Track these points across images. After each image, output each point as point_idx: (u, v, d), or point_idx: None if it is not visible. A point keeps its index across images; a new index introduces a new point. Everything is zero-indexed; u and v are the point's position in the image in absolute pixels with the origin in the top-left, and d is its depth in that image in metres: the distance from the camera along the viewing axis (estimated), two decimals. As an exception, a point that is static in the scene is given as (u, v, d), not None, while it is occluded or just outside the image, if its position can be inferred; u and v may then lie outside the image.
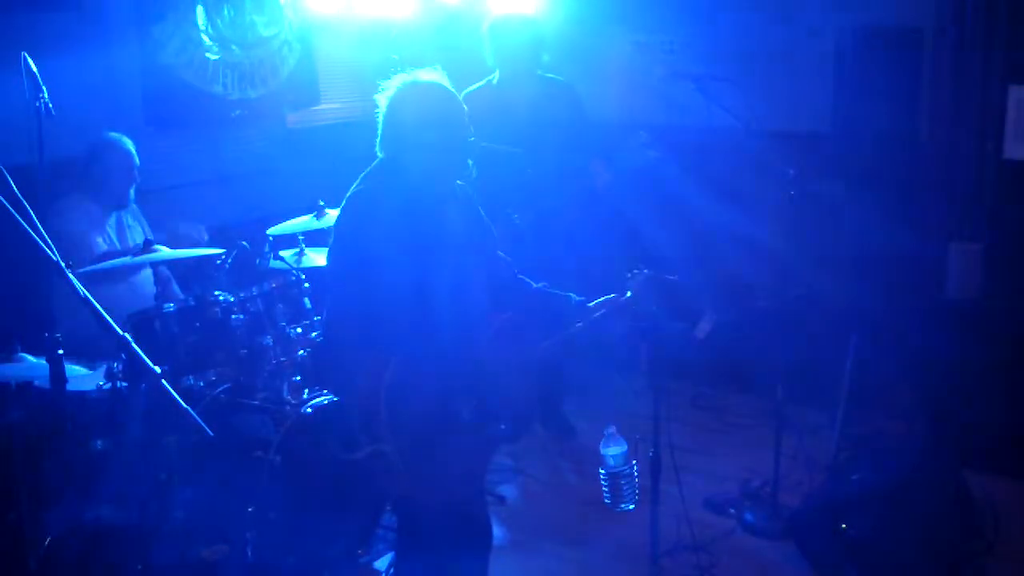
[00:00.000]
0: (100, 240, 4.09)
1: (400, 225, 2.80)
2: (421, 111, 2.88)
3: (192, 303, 3.64)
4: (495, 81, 4.62)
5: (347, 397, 3.11)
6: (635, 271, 3.10)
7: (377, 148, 2.95)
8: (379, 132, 2.93)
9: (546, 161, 4.39)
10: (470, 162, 2.96)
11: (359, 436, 2.88)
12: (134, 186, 4.15)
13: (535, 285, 3.18)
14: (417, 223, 2.83)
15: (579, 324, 3.07)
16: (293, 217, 4.30)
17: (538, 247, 4.44)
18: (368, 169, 2.96)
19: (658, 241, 4.95)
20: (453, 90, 2.95)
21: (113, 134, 4.14)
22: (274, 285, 3.84)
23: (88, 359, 3.45)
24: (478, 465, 3.09)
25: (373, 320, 2.75)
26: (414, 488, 2.85)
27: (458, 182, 3.04)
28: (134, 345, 2.42)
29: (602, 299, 3.11)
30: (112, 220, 4.18)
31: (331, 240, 2.94)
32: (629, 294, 3.08)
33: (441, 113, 2.89)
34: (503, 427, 2.96)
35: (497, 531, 3.95)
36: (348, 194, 2.92)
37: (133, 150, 4.12)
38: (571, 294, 3.15)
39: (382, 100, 2.92)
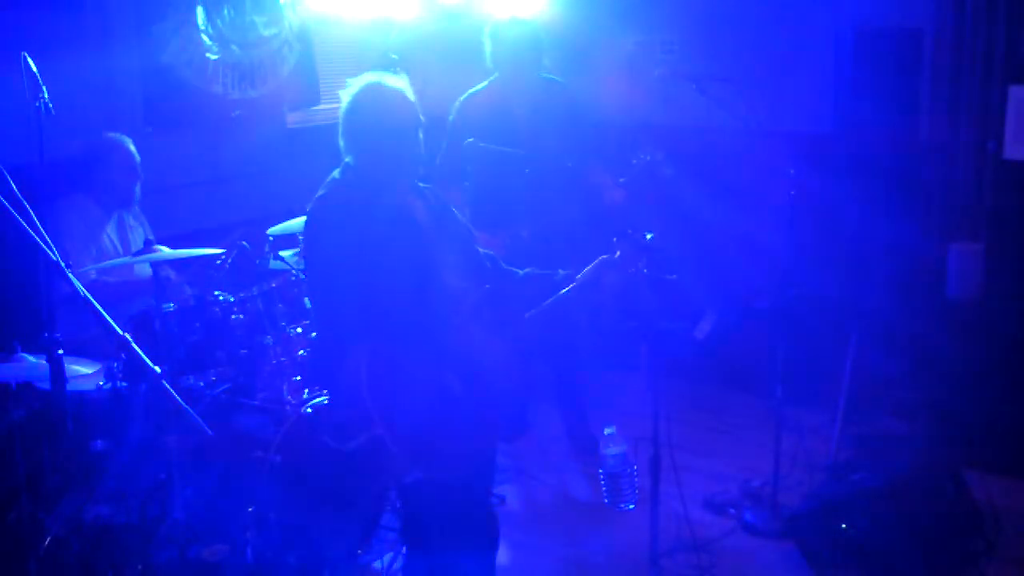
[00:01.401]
0: (102, 241, 4.09)
1: (359, 227, 2.83)
2: (374, 116, 2.94)
3: (192, 303, 3.64)
4: (496, 83, 4.62)
5: (334, 391, 3.15)
6: (624, 235, 3.11)
7: (340, 146, 2.99)
8: (340, 131, 2.98)
9: (545, 163, 4.37)
10: (420, 169, 3.01)
11: (351, 426, 2.90)
12: (138, 183, 4.16)
13: (521, 272, 3.21)
14: (385, 224, 2.87)
15: (569, 286, 3.08)
16: (293, 217, 4.30)
17: (542, 255, 4.40)
18: (333, 174, 3.01)
19: (658, 241, 4.94)
20: (412, 98, 2.99)
21: (112, 134, 4.15)
22: (274, 285, 3.85)
23: (89, 358, 3.45)
24: (481, 452, 3.10)
25: (345, 316, 2.79)
26: (417, 471, 2.87)
27: (422, 184, 3.08)
28: (134, 345, 2.42)
29: (589, 266, 3.13)
30: (113, 221, 4.18)
31: (303, 248, 3.00)
32: (618, 254, 3.09)
33: (392, 120, 2.94)
34: (501, 402, 3.00)
35: (497, 531, 3.95)
36: (314, 200, 2.97)
37: (133, 148, 4.13)
38: (559, 270, 3.17)
39: (344, 96, 2.97)
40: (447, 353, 2.87)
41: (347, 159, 3.00)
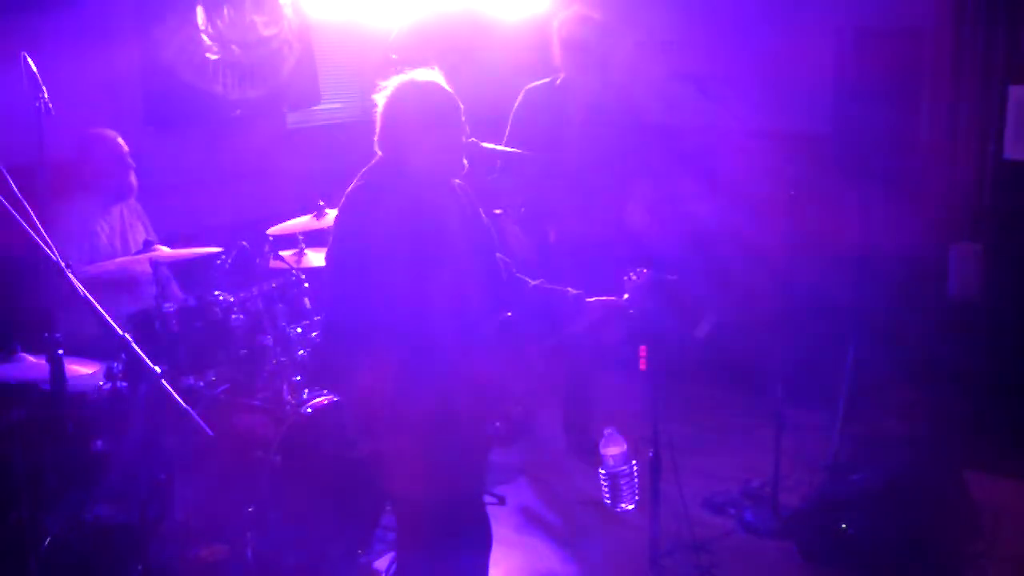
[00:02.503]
0: (100, 239, 4.09)
1: (399, 223, 2.80)
2: (418, 109, 2.89)
3: (192, 303, 3.64)
4: (558, 81, 4.54)
5: (347, 396, 3.11)
6: (634, 273, 3.09)
7: (375, 146, 2.95)
8: (377, 130, 2.94)
9: (588, 170, 4.32)
10: (465, 161, 2.96)
11: (358, 434, 2.88)
12: (132, 173, 4.15)
13: (532, 282, 3.18)
14: (416, 221, 2.84)
15: (575, 328, 3.06)
16: (293, 217, 4.30)
17: (568, 260, 4.37)
18: (367, 167, 2.96)
19: (658, 241, 4.94)
20: (450, 89, 2.95)
21: (96, 129, 4.14)
22: (274, 285, 3.85)
23: (89, 358, 3.45)
24: (475, 464, 3.09)
25: (373, 319, 2.76)
26: (412, 486, 2.86)
27: (456, 181, 3.04)
28: (134, 345, 2.42)
29: (600, 298, 3.11)
30: (114, 218, 4.18)
31: (330, 239, 2.95)
32: (626, 296, 3.08)
33: (438, 112, 2.89)
34: (499, 426, 2.98)
35: (497, 531, 3.96)
36: (347, 193, 2.92)
37: (119, 139, 4.12)
38: (568, 288, 3.15)
39: (380, 99, 2.93)
40: (461, 374, 2.84)
41: (379, 153, 2.96)
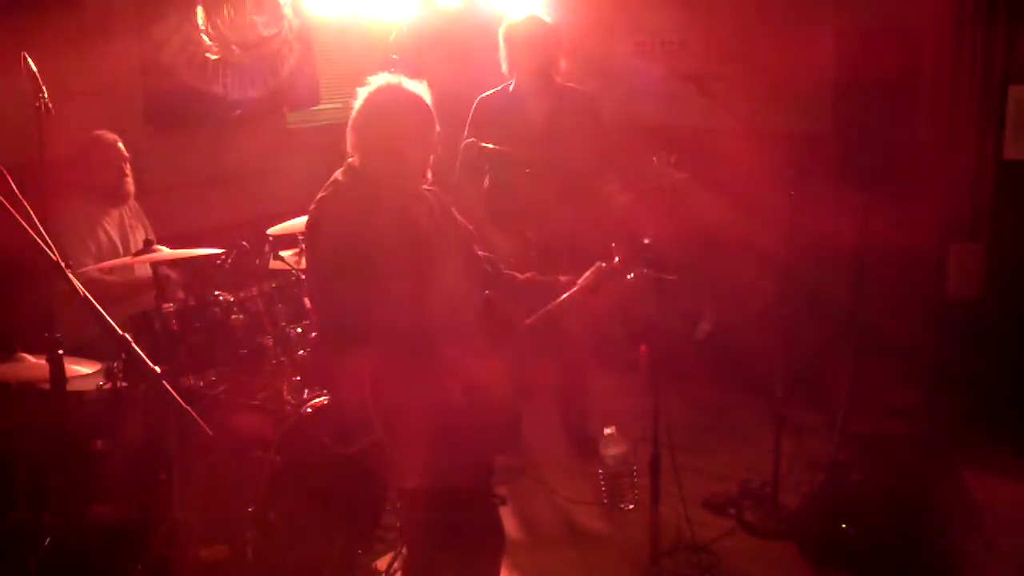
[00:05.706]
0: (100, 240, 4.09)
1: (360, 230, 2.81)
2: (387, 118, 2.90)
3: (192, 303, 3.65)
4: (511, 88, 4.56)
5: (335, 394, 3.14)
6: (620, 242, 3.09)
7: (348, 146, 2.97)
8: (349, 127, 2.95)
9: (560, 172, 4.32)
10: (426, 174, 2.97)
11: (351, 431, 2.89)
12: (128, 178, 4.15)
13: (522, 276, 3.19)
14: (376, 226, 2.84)
15: (565, 295, 3.06)
16: (293, 217, 4.30)
17: (548, 257, 4.36)
18: (335, 175, 2.98)
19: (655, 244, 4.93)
20: (428, 103, 2.94)
21: (98, 131, 4.14)
22: (274, 285, 3.85)
23: (89, 358, 3.46)
24: (481, 460, 3.09)
25: (345, 319, 2.78)
26: (416, 479, 2.87)
27: (426, 188, 3.05)
28: (134, 345, 2.42)
29: (589, 271, 3.11)
30: (113, 220, 4.18)
31: (305, 248, 2.97)
32: (616, 260, 3.07)
33: (405, 124, 2.90)
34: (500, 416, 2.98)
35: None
36: (316, 199, 2.94)
37: (119, 143, 4.12)
38: (560, 277, 3.15)
39: (360, 95, 2.94)
40: (448, 361, 2.85)
41: (351, 159, 2.97)
